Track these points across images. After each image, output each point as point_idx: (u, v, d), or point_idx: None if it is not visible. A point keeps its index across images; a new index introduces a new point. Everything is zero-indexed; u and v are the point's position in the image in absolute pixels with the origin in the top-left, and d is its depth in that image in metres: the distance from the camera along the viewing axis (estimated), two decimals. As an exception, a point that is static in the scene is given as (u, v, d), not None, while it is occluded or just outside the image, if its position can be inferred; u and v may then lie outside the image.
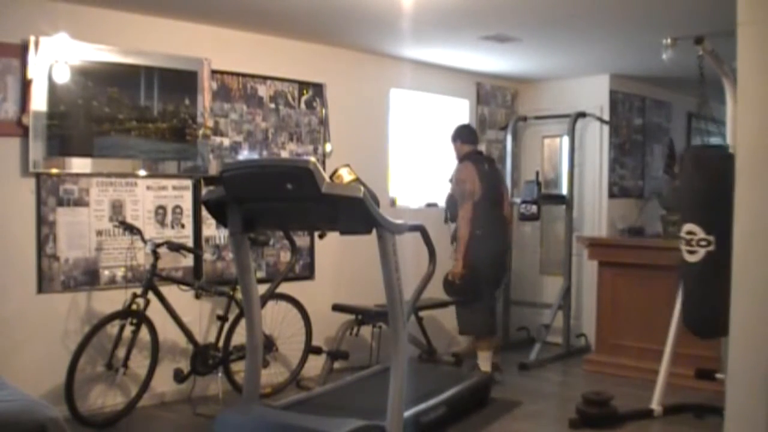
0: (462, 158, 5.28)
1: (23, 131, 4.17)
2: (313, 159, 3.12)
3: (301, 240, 5.40)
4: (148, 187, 4.71)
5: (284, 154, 5.36)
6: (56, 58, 4.23)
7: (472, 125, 5.43)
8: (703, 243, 4.04)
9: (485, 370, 5.19)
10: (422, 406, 4.07)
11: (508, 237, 5.49)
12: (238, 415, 3.41)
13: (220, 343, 4.67)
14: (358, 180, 4.54)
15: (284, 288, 5.00)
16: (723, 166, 4.11)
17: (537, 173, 6.39)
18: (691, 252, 4.11)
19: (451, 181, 5.32)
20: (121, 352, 4.28)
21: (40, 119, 4.21)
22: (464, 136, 5.34)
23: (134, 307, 4.29)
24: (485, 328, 5.20)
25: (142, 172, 4.66)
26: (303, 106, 5.49)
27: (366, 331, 5.45)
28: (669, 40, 4.44)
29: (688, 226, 4.12)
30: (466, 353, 5.95)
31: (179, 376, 4.51)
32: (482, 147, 6.80)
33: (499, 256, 5.27)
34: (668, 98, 7.30)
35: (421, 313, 5.57)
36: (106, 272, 4.52)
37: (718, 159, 4.20)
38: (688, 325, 4.33)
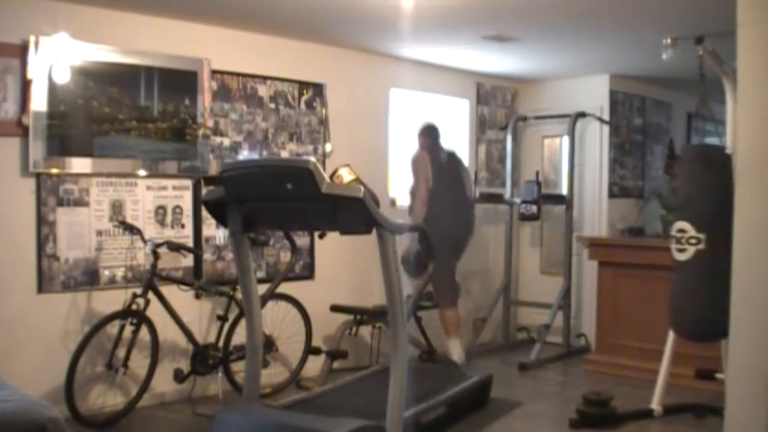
0: (421, 147, 5.64)
1: (23, 131, 4.17)
2: (313, 159, 3.13)
3: (301, 240, 5.40)
4: (148, 187, 4.71)
5: (284, 154, 5.36)
6: (56, 58, 4.23)
7: (435, 124, 5.70)
8: (693, 241, 4.02)
9: (456, 360, 5.50)
10: (422, 406, 4.07)
11: (469, 218, 5.77)
12: (238, 415, 3.41)
13: (220, 343, 4.67)
14: (358, 180, 4.56)
15: (284, 288, 5.00)
16: (721, 166, 4.13)
17: (537, 173, 6.38)
18: (680, 250, 4.09)
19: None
20: (121, 352, 4.28)
21: (40, 119, 4.21)
22: (425, 134, 5.67)
23: (134, 307, 4.29)
24: (448, 293, 5.54)
25: (142, 172, 4.66)
26: (303, 106, 5.49)
27: (365, 331, 5.45)
28: (669, 40, 4.45)
29: (680, 224, 4.11)
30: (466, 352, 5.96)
31: (179, 376, 4.51)
32: (482, 147, 6.84)
33: (453, 234, 5.54)
34: (668, 98, 7.30)
35: (420, 313, 5.58)
36: (106, 272, 4.52)
37: (716, 159, 4.20)
38: (674, 327, 4.30)
